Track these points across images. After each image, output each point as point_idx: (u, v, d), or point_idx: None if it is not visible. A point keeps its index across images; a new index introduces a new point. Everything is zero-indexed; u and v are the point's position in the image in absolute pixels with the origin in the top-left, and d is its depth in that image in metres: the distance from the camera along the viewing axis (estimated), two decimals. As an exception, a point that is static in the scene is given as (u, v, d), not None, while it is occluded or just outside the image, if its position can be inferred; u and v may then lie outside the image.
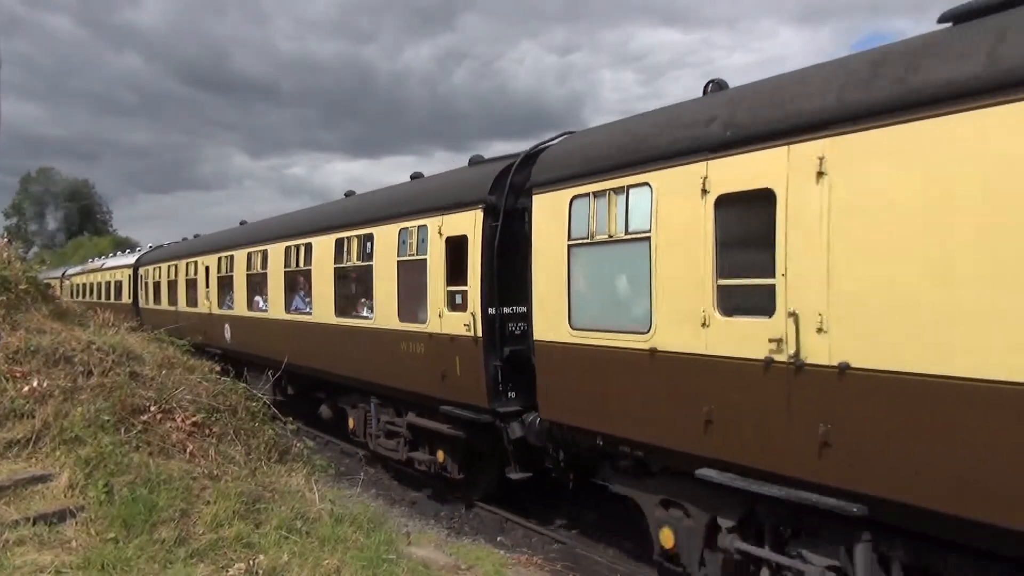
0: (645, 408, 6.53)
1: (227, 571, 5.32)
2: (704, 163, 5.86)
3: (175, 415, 7.40)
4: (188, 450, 6.99)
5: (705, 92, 6.81)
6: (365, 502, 8.14)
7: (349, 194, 14.37)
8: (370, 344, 11.13)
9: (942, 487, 4.46)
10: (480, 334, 8.75)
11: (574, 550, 8.76)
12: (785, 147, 5.24)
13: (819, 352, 5.04)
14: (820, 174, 4.99)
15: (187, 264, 19.96)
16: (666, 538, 6.76)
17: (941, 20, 5.08)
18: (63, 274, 35.25)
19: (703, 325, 5.85)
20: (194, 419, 7.47)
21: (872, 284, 4.72)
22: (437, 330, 9.50)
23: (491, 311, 8.72)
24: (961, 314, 4.29)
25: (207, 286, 18.40)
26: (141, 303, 24.70)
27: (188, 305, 19.87)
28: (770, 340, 5.32)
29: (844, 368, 4.89)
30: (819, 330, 5.02)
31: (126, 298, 26.04)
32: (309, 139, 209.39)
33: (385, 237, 10.65)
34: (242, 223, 19.40)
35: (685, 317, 6.00)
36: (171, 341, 10.04)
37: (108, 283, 28.41)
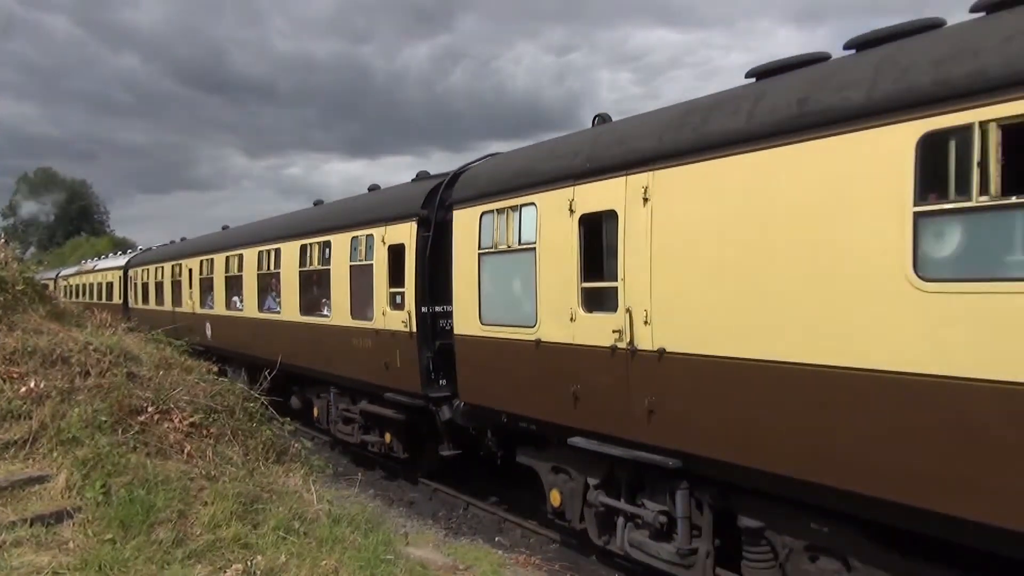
0: (534, 389, 7.88)
1: (225, 572, 5.31)
2: (572, 188, 7.21)
3: (172, 416, 7.39)
4: (186, 451, 7.00)
5: (593, 124, 8.17)
6: (363, 502, 8.11)
7: (318, 203, 15.72)
8: (328, 339, 12.48)
9: (732, 444, 5.80)
10: (415, 329, 10.10)
11: (571, 550, 8.76)
12: (624, 178, 6.60)
13: (646, 340, 6.40)
14: (645, 200, 6.35)
15: (172, 266, 21.28)
16: (555, 498, 8.11)
17: (747, 75, 6.43)
18: (57, 275, 36.48)
19: (571, 320, 7.21)
20: (191, 420, 7.46)
21: (677, 286, 6.08)
22: (382, 326, 10.85)
23: (424, 309, 10.07)
24: (728, 310, 5.65)
25: (190, 287, 19.72)
26: (131, 303, 25.98)
27: (174, 305, 21.19)
28: (614, 331, 6.68)
29: (662, 352, 6.25)
30: (645, 322, 6.38)
31: (117, 298, 27.31)
32: (307, 139, 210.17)
33: (340, 244, 12.00)
34: (224, 228, 20.73)
35: (559, 313, 7.36)
36: (168, 342, 10.13)
37: (100, 284, 29.68)
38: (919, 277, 4.48)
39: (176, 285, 21.08)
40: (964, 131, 4.30)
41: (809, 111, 5.12)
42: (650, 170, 6.35)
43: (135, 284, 25.77)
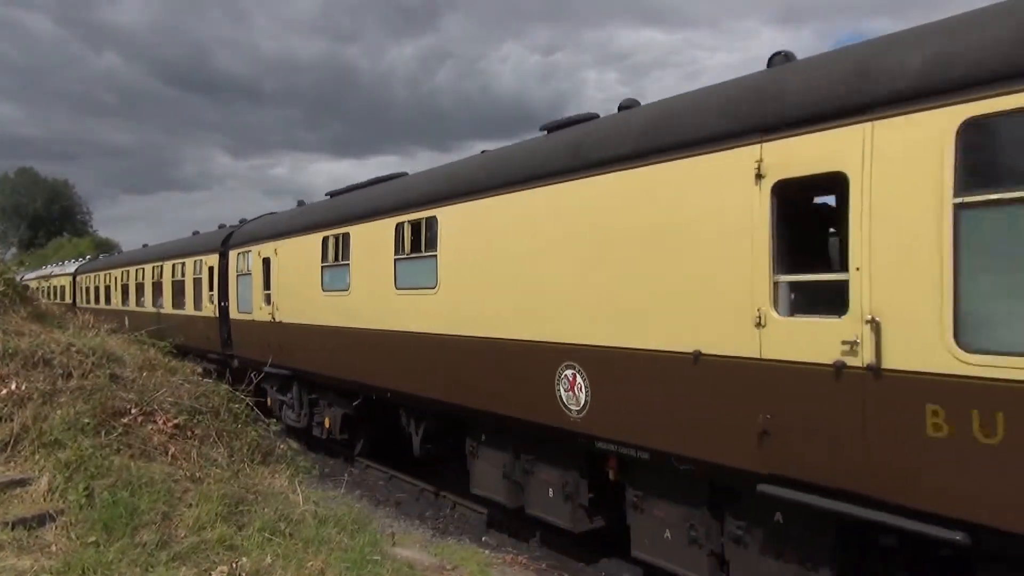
0: (256, 345, 15.51)
1: (210, 574, 5.27)
2: (260, 245, 14.85)
3: (156, 417, 7.38)
4: (170, 452, 6.96)
5: (297, 205, 15.81)
6: (349, 503, 8.21)
7: (196, 233, 23.22)
8: (186, 323, 20.01)
9: (307, 361, 13.41)
10: (218, 316, 17.69)
11: (559, 549, 8.99)
12: (272, 242, 14.26)
13: (278, 316, 14.06)
14: (276, 252, 14.02)
15: (105, 274, 28.66)
16: (269, 402, 15.75)
17: (326, 194, 14.10)
18: (20, 278, 43.35)
19: (260, 308, 14.86)
20: (176, 421, 7.46)
21: (284, 292, 13.75)
22: (206, 315, 18.43)
23: (222, 304, 17.66)
24: (297, 302, 13.32)
25: (115, 290, 27.14)
26: (78, 302, 33.22)
27: (106, 303, 28.54)
28: (270, 314, 14.34)
29: (281, 322, 13.91)
30: (277, 309, 14.05)
31: (68, 299, 34.54)
32: (292, 139, 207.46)
33: (189, 264, 19.57)
34: (144, 246, 28.12)
35: (257, 305, 15.00)
36: (152, 343, 10.53)
37: (55, 287, 36.85)
38: (399, 289, 12.17)
39: (107, 289, 28.46)
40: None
41: (306, 223, 12.82)
42: (280, 239, 14.02)
43: (81, 288, 33.04)
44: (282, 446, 8.96)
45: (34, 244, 76.59)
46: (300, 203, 15.75)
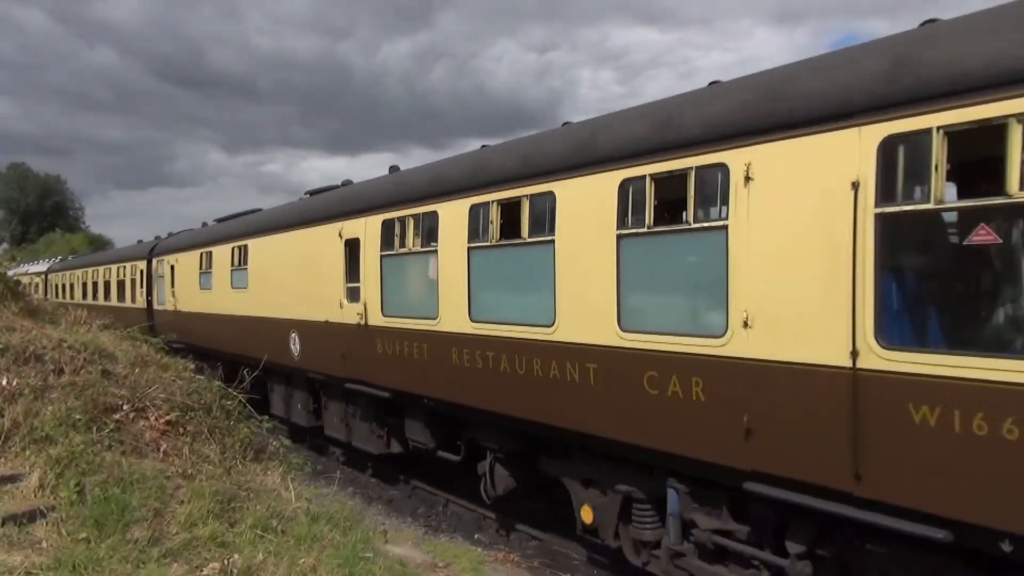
0: (169, 327, 21.32)
1: (201, 571, 5.29)
2: (166, 256, 20.70)
3: (148, 414, 7.41)
4: (162, 449, 7.01)
5: (208, 222, 21.68)
6: (342, 500, 8.19)
7: (140, 241, 29.04)
8: (123, 312, 25.83)
9: (197, 338, 19.26)
10: (147, 307, 23.53)
11: (551, 547, 9.10)
12: (175, 254, 20.12)
13: (178, 306, 19.92)
14: (177, 262, 19.88)
15: (69, 274, 34.44)
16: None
17: (218, 220, 20.00)
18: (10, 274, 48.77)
19: (169, 301, 20.70)
20: (168, 418, 7.51)
21: (182, 290, 19.64)
22: (139, 306, 24.26)
23: (148, 298, 23.48)
24: (189, 295, 19.21)
25: (77, 287, 32.93)
26: (49, 297, 38.85)
27: (70, 298, 34.28)
28: (173, 304, 20.20)
29: (179, 310, 19.79)
30: (178, 301, 19.92)
31: (40, 293, 40.13)
32: (286, 136, 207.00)
33: (129, 268, 25.39)
34: (101, 249, 33.87)
35: (168, 299, 20.84)
36: (145, 339, 10.81)
37: (29, 283, 42.44)
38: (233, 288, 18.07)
39: (72, 286, 34.23)
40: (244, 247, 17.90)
41: (208, 239, 18.71)
42: (179, 252, 19.87)
43: (52, 284, 38.75)
44: (274, 443, 9.11)
45: (26, 239, 77.57)
46: (204, 224, 21.62)
